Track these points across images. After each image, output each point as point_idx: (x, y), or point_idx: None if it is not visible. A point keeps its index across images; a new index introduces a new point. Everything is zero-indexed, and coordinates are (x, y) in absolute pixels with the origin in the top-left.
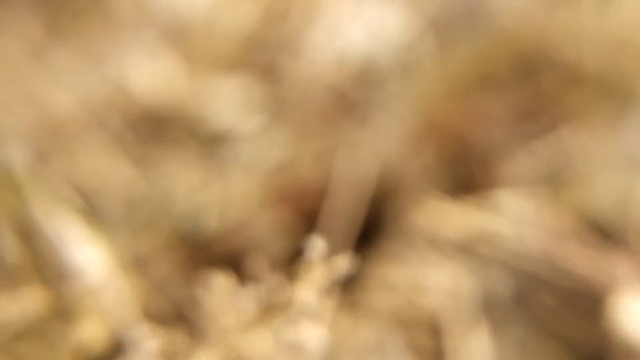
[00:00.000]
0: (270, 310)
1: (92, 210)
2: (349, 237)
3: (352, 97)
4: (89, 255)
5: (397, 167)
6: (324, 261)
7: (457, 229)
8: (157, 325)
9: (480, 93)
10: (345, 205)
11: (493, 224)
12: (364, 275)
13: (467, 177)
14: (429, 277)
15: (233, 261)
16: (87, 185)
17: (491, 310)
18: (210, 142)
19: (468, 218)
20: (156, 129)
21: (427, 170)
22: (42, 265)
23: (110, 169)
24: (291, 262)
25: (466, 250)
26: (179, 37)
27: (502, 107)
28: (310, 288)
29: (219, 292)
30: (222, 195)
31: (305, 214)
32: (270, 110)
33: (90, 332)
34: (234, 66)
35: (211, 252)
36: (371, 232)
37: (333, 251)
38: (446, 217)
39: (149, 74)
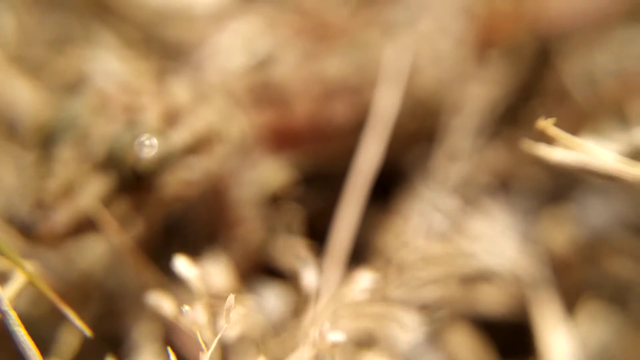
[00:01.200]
0: None
1: None
2: (364, 180)
3: None
4: None
5: (439, 74)
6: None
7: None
8: None
9: None
10: (352, 123)
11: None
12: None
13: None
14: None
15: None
16: None
17: None
18: (151, 24)
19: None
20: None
21: (480, 79)
22: None
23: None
24: (272, 216)
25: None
26: None
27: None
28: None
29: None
30: (168, 104)
31: (293, 134)
32: None
33: None
34: None
35: (154, 194)
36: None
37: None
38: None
39: None
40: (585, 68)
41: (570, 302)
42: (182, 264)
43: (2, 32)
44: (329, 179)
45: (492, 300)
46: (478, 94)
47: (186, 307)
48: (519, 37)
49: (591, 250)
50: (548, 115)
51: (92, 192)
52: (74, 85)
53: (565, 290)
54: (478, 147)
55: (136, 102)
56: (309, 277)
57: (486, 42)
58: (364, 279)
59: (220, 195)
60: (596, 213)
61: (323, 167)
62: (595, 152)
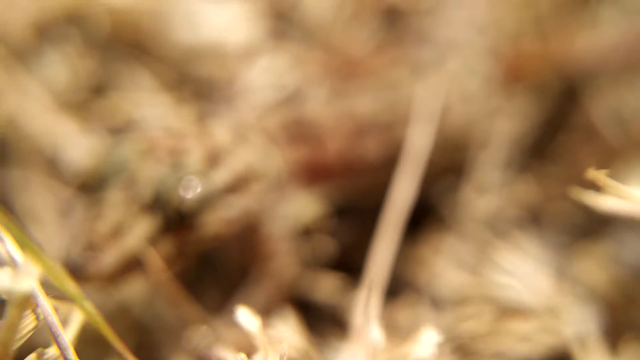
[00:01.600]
0: None
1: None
2: (397, 218)
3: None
4: None
5: (468, 111)
6: None
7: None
8: None
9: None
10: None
11: None
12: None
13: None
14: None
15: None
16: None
17: None
18: (184, 63)
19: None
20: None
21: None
22: None
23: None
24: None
25: None
26: None
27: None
28: None
29: None
30: (209, 146)
31: (325, 169)
32: (279, 27)
33: None
34: None
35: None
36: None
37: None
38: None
39: None
40: (613, 106)
41: (612, 342)
42: (243, 315)
43: (56, 79)
44: (361, 213)
45: (532, 339)
46: (506, 129)
47: (242, 356)
48: (546, 76)
49: (631, 289)
50: (577, 152)
51: (139, 233)
52: (120, 130)
53: (607, 330)
54: (507, 181)
55: (180, 145)
56: (375, 335)
57: (513, 80)
58: (430, 337)
59: (253, 229)
60: (633, 250)
61: (354, 200)
62: None
